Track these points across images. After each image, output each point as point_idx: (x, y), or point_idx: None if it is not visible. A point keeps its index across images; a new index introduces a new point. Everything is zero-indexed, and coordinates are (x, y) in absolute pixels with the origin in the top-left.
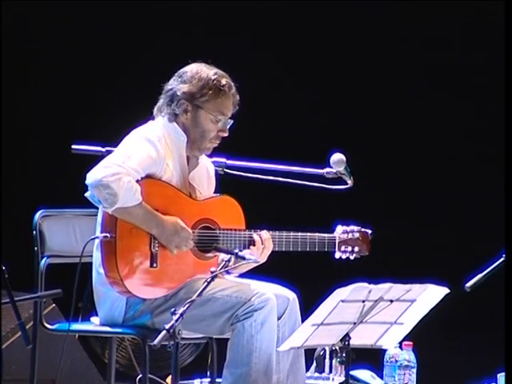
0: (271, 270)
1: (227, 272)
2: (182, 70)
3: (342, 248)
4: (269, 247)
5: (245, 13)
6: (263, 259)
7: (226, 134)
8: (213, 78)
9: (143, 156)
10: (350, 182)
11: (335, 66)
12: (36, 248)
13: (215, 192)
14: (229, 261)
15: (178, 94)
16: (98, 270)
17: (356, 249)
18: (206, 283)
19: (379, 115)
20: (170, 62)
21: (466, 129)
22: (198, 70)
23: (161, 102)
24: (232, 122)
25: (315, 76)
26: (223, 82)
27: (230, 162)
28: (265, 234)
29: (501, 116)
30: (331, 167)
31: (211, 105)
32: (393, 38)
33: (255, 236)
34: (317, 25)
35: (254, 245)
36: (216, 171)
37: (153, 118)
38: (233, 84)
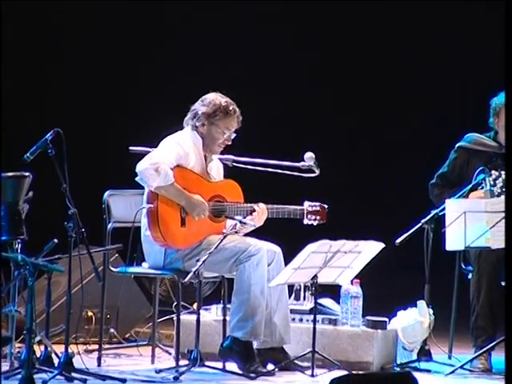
0: (262, 232)
1: (236, 232)
2: (204, 96)
3: (309, 217)
4: (265, 214)
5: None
6: (261, 223)
7: (229, 143)
8: (223, 105)
9: (174, 152)
10: (317, 171)
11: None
12: (104, 216)
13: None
14: (235, 225)
15: (199, 113)
16: (145, 231)
17: (318, 217)
18: (219, 240)
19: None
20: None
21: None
22: (215, 98)
23: (187, 116)
24: (236, 135)
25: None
26: (230, 108)
27: (236, 158)
28: (261, 205)
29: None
30: (305, 161)
31: (220, 123)
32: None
33: (256, 207)
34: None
35: (255, 212)
36: (226, 164)
37: (182, 127)
38: (237, 109)
